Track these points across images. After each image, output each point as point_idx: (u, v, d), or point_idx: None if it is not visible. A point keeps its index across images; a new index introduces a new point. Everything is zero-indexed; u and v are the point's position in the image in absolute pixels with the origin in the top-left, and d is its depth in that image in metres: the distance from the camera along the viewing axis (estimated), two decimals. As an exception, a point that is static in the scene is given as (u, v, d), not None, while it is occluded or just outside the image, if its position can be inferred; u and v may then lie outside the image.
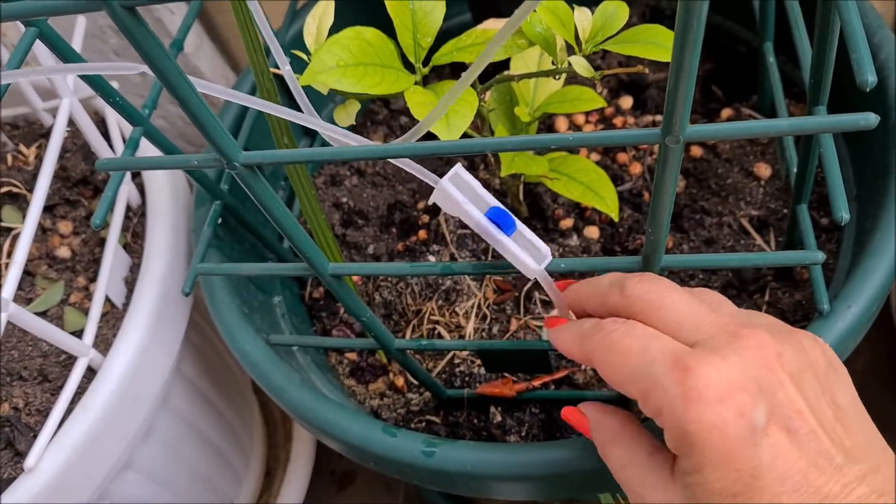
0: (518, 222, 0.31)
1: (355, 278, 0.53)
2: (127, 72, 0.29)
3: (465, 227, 0.52)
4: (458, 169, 0.31)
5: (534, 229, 0.50)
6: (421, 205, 0.54)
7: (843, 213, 0.31)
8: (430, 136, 0.37)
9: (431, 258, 0.51)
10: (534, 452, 0.37)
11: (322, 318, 0.53)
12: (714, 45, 0.57)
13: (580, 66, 0.34)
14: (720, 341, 0.26)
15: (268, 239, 0.51)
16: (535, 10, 0.35)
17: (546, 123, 0.54)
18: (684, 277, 0.47)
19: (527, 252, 0.31)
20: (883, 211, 0.40)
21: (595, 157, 0.52)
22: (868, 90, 0.26)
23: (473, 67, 0.29)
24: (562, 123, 0.54)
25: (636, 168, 0.51)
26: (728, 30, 0.56)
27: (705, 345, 0.26)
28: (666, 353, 0.26)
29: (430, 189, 0.56)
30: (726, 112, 0.52)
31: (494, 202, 0.31)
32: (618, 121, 0.52)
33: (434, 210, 0.53)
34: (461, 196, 0.31)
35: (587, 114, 0.54)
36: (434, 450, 0.37)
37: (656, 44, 0.33)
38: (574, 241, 0.49)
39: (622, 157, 0.51)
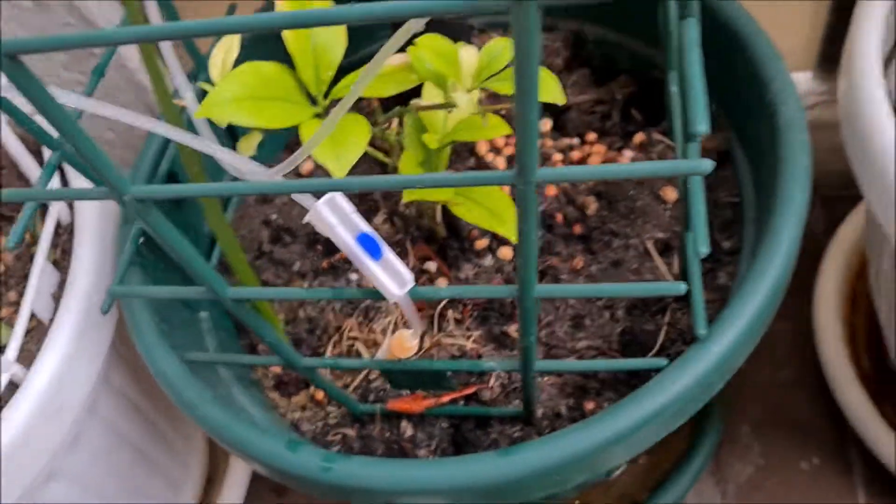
0: (386, 249, 0.33)
1: (282, 294, 0.54)
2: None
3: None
4: (334, 194, 0.33)
5: (451, 249, 0.52)
6: (347, 223, 0.56)
7: (703, 248, 0.33)
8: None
9: (353, 276, 0.53)
10: (427, 468, 0.39)
11: (250, 332, 0.55)
12: (636, 69, 0.59)
13: (464, 101, 0.35)
14: None
15: (194, 256, 0.52)
16: (422, 48, 0.36)
17: (467, 145, 0.56)
18: (591, 299, 0.49)
19: (391, 277, 0.33)
20: (767, 236, 0.42)
21: (514, 178, 0.54)
22: (700, 138, 0.28)
23: (345, 101, 0.31)
24: (483, 145, 0.55)
25: (551, 190, 0.52)
26: (646, 56, 0.57)
27: None
28: None
29: (360, 208, 0.58)
30: (639, 137, 0.54)
31: (365, 228, 0.33)
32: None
33: (359, 228, 0.55)
34: (333, 219, 0.33)
35: (507, 136, 0.55)
36: (331, 465, 0.39)
37: (533, 84, 0.35)
38: (489, 261, 0.51)
39: (538, 179, 0.53)
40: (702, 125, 0.27)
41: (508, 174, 0.29)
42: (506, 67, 0.37)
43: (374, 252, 0.34)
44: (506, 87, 0.35)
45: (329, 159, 0.36)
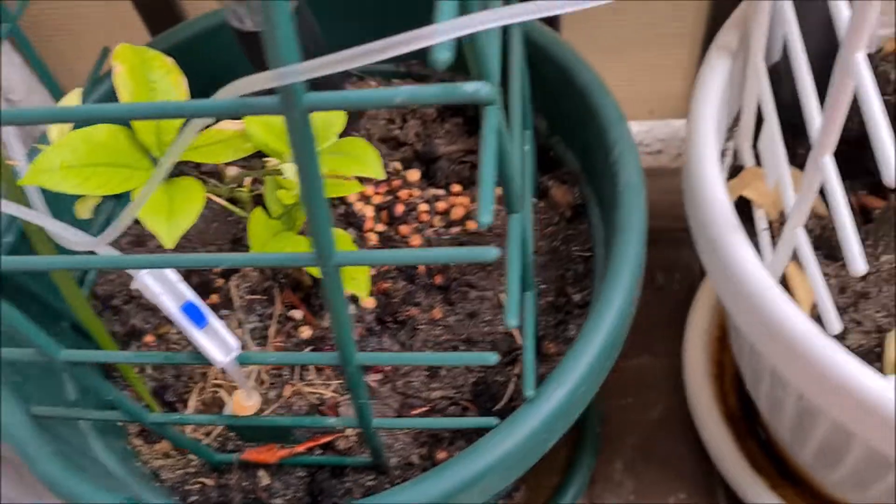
0: (211, 318, 0.34)
1: (149, 338, 0.54)
2: None
3: (254, 293, 0.54)
4: None
5: (316, 297, 0.53)
6: (217, 269, 0.56)
7: (511, 322, 0.34)
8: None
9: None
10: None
11: (116, 378, 0.55)
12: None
13: (290, 171, 0.37)
14: None
15: (58, 308, 0.52)
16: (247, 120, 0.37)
17: (338, 194, 0.57)
18: (448, 347, 0.51)
19: (216, 345, 0.34)
20: (601, 295, 0.44)
21: (381, 226, 0.55)
22: (484, 230, 0.29)
23: (157, 173, 0.31)
24: (353, 195, 0.57)
25: (416, 240, 0.54)
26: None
27: None
28: None
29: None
30: (500, 189, 0.55)
31: (190, 297, 0.34)
32: (403, 193, 0.56)
33: (227, 273, 0.55)
34: (158, 288, 0.34)
35: (377, 185, 0.57)
36: (166, 524, 0.40)
37: (356, 157, 0.36)
38: (351, 310, 0.52)
39: (404, 230, 0.54)
40: (484, 217, 0.29)
41: (309, 256, 0.30)
42: (340, 136, 0.38)
43: (199, 320, 0.35)
44: (329, 160, 0.37)
45: (160, 227, 0.36)
